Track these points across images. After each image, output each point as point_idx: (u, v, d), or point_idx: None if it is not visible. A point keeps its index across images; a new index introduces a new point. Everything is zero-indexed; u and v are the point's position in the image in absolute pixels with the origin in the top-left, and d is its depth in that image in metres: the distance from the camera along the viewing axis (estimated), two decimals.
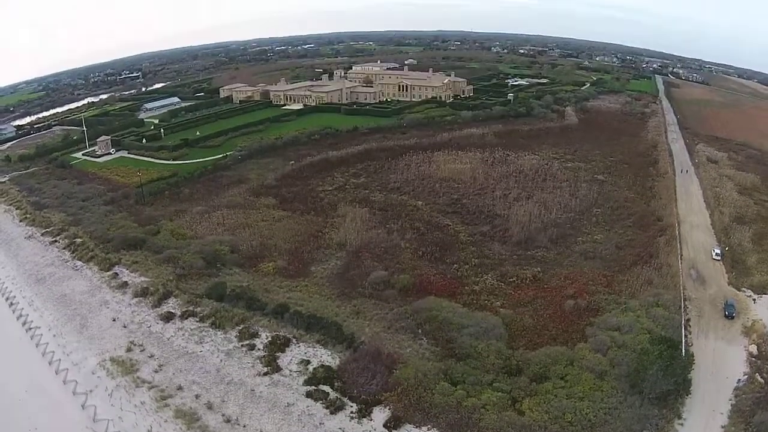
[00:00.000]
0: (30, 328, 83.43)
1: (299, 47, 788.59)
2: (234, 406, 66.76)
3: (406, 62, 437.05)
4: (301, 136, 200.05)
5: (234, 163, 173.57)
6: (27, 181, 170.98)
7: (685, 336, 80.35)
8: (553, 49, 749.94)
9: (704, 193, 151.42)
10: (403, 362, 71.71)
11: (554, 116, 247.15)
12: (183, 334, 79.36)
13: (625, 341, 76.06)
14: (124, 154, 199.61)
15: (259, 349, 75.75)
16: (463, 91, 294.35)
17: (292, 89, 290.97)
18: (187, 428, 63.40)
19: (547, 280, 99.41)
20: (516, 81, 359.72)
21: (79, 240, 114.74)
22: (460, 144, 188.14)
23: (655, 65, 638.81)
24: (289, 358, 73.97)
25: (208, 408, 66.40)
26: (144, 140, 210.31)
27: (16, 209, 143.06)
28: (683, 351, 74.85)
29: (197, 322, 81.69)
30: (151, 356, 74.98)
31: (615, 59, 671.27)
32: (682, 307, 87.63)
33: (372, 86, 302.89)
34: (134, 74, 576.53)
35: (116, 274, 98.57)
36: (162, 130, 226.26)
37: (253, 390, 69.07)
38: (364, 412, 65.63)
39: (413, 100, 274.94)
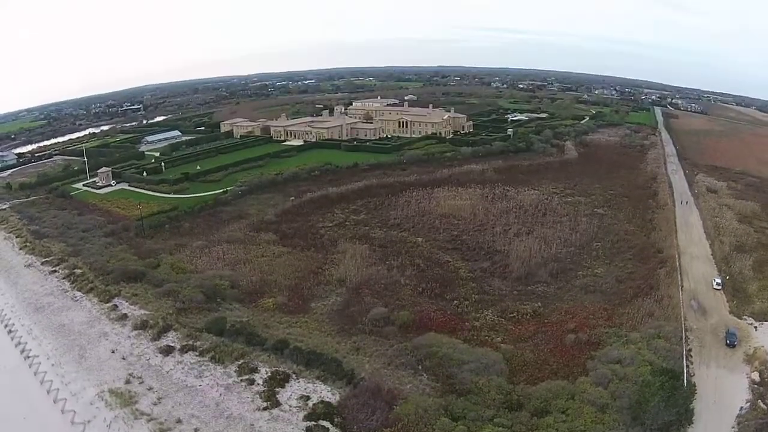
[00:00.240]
0: (28, 357, 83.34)
1: (300, 83, 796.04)
2: None
3: (406, 98, 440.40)
4: (301, 172, 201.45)
5: (234, 198, 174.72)
6: (27, 209, 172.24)
7: (687, 366, 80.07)
8: (552, 84, 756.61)
9: (704, 224, 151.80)
10: (403, 398, 71.29)
11: (554, 151, 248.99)
12: (182, 368, 79.24)
13: (626, 374, 75.76)
14: (124, 186, 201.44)
15: (258, 384, 75.56)
16: (463, 127, 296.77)
17: (293, 125, 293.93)
18: None
19: (548, 315, 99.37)
20: (515, 116, 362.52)
21: (78, 271, 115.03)
22: (460, 180, 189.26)
23: (653, 97, 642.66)
24: (288, 394, 73.78)
25: None
26: (145, 173, 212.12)
27: (16, 237, 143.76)
28: (685, 381, 74.69)
29: (197, 356, 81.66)
30: (150, 389, 74.79)
31: (614, 92, 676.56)
32: (683, 337, 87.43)
33: (372, 122, 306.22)
34: (135, 106, 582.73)
35: (116, 305, 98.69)
36: (163, 164, 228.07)
37: (253, 425, 68.70)
38: None
39: (413, 136, 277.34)
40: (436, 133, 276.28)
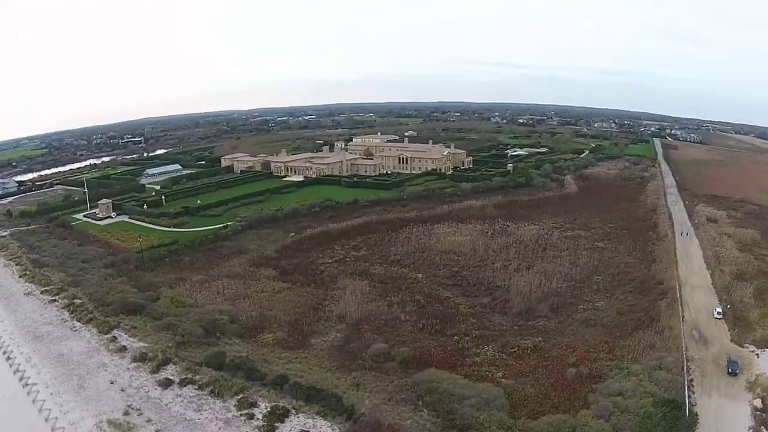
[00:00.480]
0: (27, 384, 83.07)
1: (300, 118, 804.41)
2: None
3: (406, 134, 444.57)
4: (301, 207, 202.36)
5: (234, 233, 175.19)
6: (27, 237, 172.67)
7: (689, 396, 79.72)
8: (551, 118, 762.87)
9: (704, 254, 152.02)
10: None
11: (553, 185, 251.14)
12: (181, 401, 78.92)
13: (628, 406, 75.26)
14: (125, 218, 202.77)
15: (258, 418, 75.18)
16: (463, 163, 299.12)
17: (293, 160, 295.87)
18: None
19: (549, 349, 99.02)
20: (515, 151, 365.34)
21: (78, 301, 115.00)
22: (460, 216, 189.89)
23: (653, 128, 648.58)
24: (288, 429, 73.37)
25: None
26: (145, 206, 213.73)
27: (16, 265, 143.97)
28: (687, 412, 74.54)
29: (196, 389, 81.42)
30: (149, 421, 74.38)
31: (613, 124, 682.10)
32: (685, 368, 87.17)
33: (372, 158, 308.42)
34: (136, 139, 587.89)
35: (115, 337, 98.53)
36: (163, 197, 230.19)
37: None
38: None
39: (413, 172, 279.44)
40: (436, 169, 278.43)
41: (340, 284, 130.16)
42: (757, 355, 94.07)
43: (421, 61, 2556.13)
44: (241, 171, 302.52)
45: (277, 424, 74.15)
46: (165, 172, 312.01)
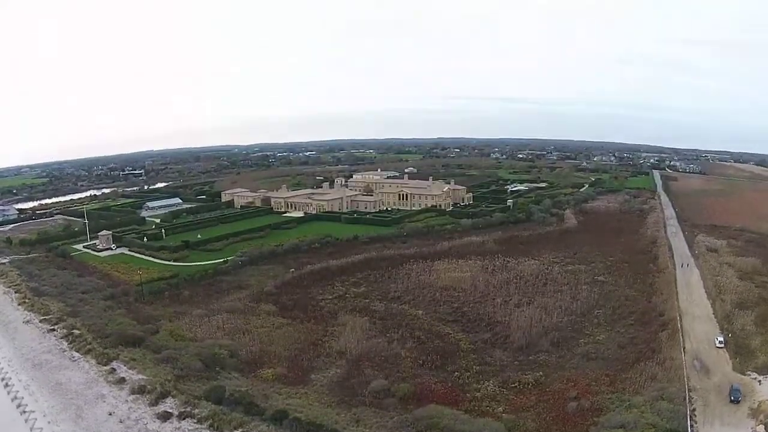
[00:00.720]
0: (25, 412, 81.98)
1: (300, 154, 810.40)
2: None
3: (406, 170, 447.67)
4: (301, 243, 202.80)
5: (234, 268, 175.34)
6: (27, 266, 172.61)
7: (691, 426, 79.06)
8: (551, 152, 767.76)
9: (705, 284, 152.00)
10: None
11: (553, 220, 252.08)
12: None
13: None
14: (124, 250, 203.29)
15: None
16: (463, 199, 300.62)
17: (293, 196, 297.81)
18: None
19: (549, 384, 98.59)
20: (515, 187, 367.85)
21: (77, 331, 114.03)
22: (460, 252, 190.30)
23: (652, 160, 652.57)
24: None
25: None
26: (145, 239, 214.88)
27: (16, 292, 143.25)
28: None
29: (195, 423, 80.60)
30: None
31: (612, 158, 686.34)
32: (687, 398, 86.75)
33: (372, 195, 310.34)
34: (137, 171, 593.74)
35: (114, 369, 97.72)
36: (163, 230, 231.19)
37: None
38: None
39: (413, 208, 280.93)
40: (436, 206, 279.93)
41: (340, 320, 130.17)
42: (759, 381, 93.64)
43: (420, 98, 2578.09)
44: (241, 206, 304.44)
45: None
46: (165, 206, 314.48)
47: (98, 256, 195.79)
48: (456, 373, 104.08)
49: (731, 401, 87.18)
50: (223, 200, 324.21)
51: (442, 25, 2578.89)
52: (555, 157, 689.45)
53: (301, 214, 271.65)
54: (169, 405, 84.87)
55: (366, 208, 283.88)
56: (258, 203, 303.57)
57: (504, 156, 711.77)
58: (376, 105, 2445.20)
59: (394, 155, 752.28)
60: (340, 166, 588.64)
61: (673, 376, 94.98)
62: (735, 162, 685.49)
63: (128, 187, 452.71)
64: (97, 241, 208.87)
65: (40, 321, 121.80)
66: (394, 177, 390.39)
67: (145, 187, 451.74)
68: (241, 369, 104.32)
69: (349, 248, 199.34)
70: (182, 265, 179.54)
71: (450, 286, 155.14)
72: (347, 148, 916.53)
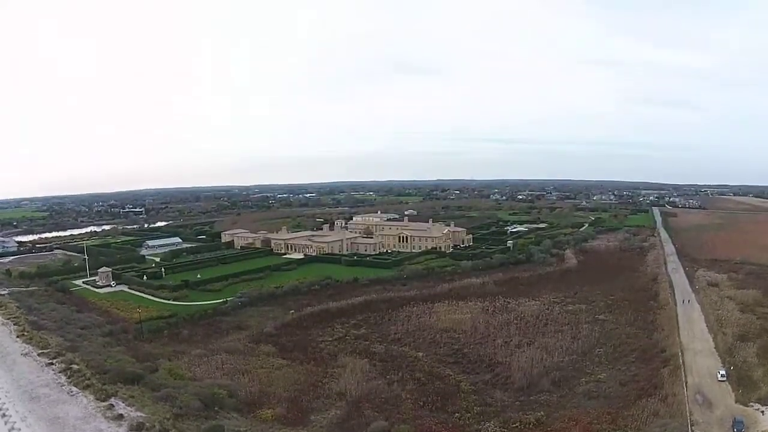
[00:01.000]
0: None
1: (300, 196, 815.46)
2: None
3: (406, 213, 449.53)
4: (301, 285, 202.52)
5: (234, 308, 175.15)
6: (26, 299, 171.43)
7: None
8: (551, 192, 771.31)
9: (706, 318, 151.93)
10: None
11: (554, 260, 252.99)
12: None
13: None
14: (124, 288, 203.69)
15: None
16: (463, 241, 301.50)
17: (293, 238, 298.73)
18: None
19: (551, 423, 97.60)
20: (515, 228, 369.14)
21: (75, 366, 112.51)
22: (461, 294, 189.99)
23: (652, 197, 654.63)
24: None
25: None
26: (145, 277, 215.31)
27: (14, 324, 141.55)
28: None
29: None
30: None
31: (612, 196, 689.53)
32: None
33: (372, 237, 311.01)
34: (137, 209, 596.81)
35: (112, 405, 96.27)
36: (163, 269, 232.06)
37: None
38: None
39: (413, 250, 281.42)
40: (436, 248, 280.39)
41: (340, 362, 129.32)
42: (762, 412, 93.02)
43: (420, 140, 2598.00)
44: (241, 247, 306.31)
45: None
46: (165, 245, 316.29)
47: (98, 292, 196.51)
48: (457, 414, 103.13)
49: None
50: (223, 241, 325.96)
51: (442, 69, 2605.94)
52: (554, 197, 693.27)
53: (301, 255, 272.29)
54: None
55: (366, 250, 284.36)
56: (258, 244, 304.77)
57: (504, 197, 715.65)
58: (376, 148, 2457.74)
59: (394, 197, 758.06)
60: (340, 208, 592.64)
61: (675, 411, 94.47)
62: (734, 195, 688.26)
63: (128, 225, 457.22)
64: (96, 278, 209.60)
65: (39, 354, 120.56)
66: (394, 219, 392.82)
67: (146, 225, 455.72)
68: (240, 409, 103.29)
69: (349, 290, 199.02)
70: (182, 305, 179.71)
71: (450, 328, 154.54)
72: (347, 190, 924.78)
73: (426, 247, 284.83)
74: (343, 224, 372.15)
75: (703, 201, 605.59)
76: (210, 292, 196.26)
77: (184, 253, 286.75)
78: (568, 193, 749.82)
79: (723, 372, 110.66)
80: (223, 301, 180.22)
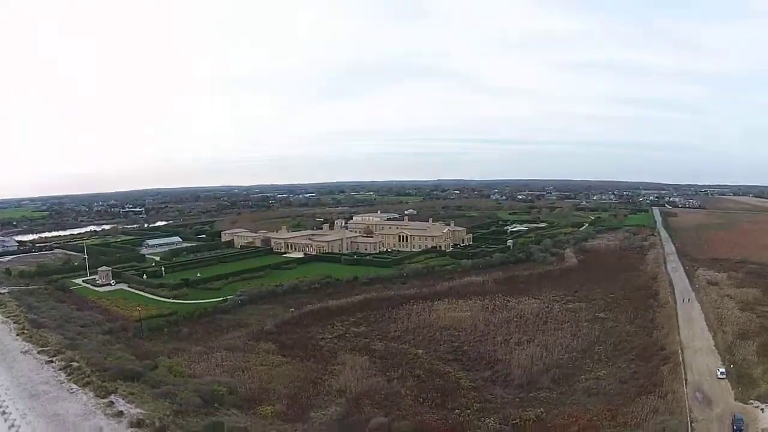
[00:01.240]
0: None
1: (300, 195, 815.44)
2: None
3: (406, 212, 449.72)
4: (301, 284, 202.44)
5: (234, 307, 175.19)
6: (26, 297, 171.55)
7: None
8: (550, 192, 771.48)
9: (706, 317, 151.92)
10: None
11: (554, 259, 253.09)
12: None
13: None
14: (124, 286, 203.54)
15: None
16: (463, 240, 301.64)
17: (293, 237, 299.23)
18: None
19: (551, 420, 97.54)
20: (515, 227, 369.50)
21: (75, 364, 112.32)
22: (461, 292, 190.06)
23: (651, 197, 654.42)
24: None
25: None
26: (145, 276, 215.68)
27: (14, 323, 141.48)
28: None
29: None
30: None
31: (612, 196, 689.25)
32: (689, 430, 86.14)
33: (372, 236, 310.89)
34: (137, 209, 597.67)
35: (112, 402, 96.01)
36: (163, 268, 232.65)
37: None
38: None
39: (413, 249, 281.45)
40: (436, 247, 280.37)
41: (339, 359, 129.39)
42: (762, 410, 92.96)
43: (420, 140, 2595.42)
44: (241, 246, 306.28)
45: None
46: (165, 244, 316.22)
47: (97, 291, 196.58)
48: (456, 410, 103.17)
49: (734, 431, 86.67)
50: (223, 240, 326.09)
51: (440, 67, 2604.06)
52: (554, 197, 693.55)
53: (301, 254, 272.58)
54: None
55: (366, 249, 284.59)
56: (258, 243, 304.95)
57: (504, 197, 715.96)
58: (376, 148, 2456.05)
59: (394, 197, 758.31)
60: (340, 207, 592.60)
61: (674, 408, 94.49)
62: (734, 195, 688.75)
63: (128, 224, 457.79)
64: (96, 276, 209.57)
65: (38, 352, 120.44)
66: (394, 219, 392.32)
67: (145, 225, 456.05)
68: (240, 406, 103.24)
69: (349, 289, 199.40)
70: (181, 303, 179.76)
71: (450, 326, 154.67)
72: (347, 190, 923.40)
73: (426, 246, 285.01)
74: (343, 224, 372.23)
75: (702, 201, 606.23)
76: (210, 291, 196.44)
77: (184, 252, 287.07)
78: (567, 193, 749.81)
79: (723, 370, 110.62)
80: (223, 300, 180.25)
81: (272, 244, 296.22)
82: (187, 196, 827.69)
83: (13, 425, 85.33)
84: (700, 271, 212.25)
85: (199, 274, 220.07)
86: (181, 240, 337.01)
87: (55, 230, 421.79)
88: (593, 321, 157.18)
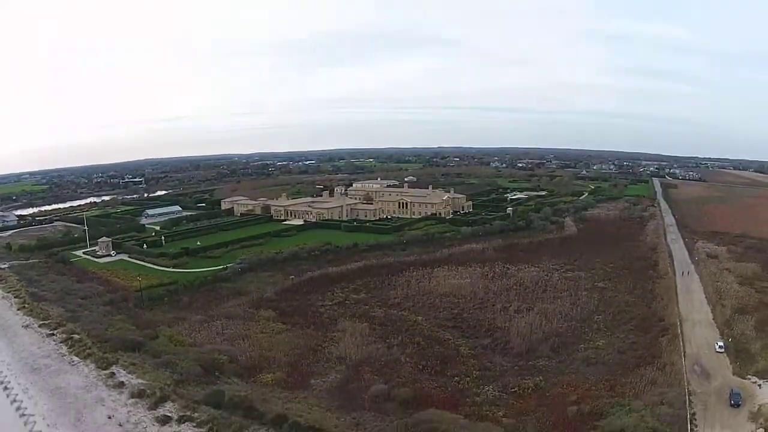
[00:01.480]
0: (24, 415, 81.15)
1: (300, 163, 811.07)
2: None
3: (405, 179, 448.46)
4: (301, 251, 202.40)
5: (234, 275, 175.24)
6: (27, 271, 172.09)
7: (691, 430, 78.89)
8: (550, 161, 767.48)
9: (705, 289, 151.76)
10: None
11: (553, 228, 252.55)
12: None
13: None
14: (124, 257, 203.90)
15: None
16: (463, 207, 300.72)
17: (293, 205, 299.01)
18: None
19: (550, 389, 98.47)
20: (515, 195, 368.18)
21: (76, 336, 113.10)
22: (460, 259, 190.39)
23: (652, 168, 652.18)
24: None
25: None
26: (145, 245, 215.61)
27: (15, 297, 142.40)
28: None
29: (194, 427, 79.87)
30: None
31: (612, 166, 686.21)
32: (687, 402, 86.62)
33: (372, 203, 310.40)
34: (137, 179, 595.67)
35: (113, 373, 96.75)
36: (163, 237, 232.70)
37: None
38: None
39: (413, 216, 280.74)
40: (435, 214, 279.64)
41: (339, 326, 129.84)
42: (759, 386, 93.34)
43: (420, 108, 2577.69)
44: (241, 214, 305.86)
45: None
46: (165, 213, 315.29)
47: (98, 262, 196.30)
48: (456, 378, 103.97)
49: (731, 405, 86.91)
50: (222, 208, 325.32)
51: (441, 35, 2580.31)
52: (554, 166, 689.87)
53: (300, 222, 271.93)
54: (168, 409, 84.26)
55: (366, 216, 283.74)
56: (258, 211, 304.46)
57: (504, 165, 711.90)
58: (377, 116, 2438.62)
59: (393, 164, 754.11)
60: (339, 175, 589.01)
61: (673, 380, 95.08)
62: (734, 169, 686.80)
63: (128, 195, 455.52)
64: (96, 248, 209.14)
65: (39, 326, 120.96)
66: (394, 185, 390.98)
67: (145, 195, 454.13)
68: (240, 374, 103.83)
69: (349, 256, 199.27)
70: (182, 272, 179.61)
71: (450, 293, 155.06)
72: (347, 157, 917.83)
73: (426, 213, 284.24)
74: (343, 191, 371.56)
75: (703, 173, 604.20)
76: (210, 259, 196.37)
77: (184, 221, 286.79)
78: (567, 162, 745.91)
79: (721, 344, 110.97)
80: (223, 268, 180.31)
81: (272, 211, 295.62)
82: (186, 165, 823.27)
83: (15, 400, 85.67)
84: (700, 244, 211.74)
85: (199, 243, 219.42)
86: (180, 209, 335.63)
87: (54, 203, 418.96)
88: (592, 290, 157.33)
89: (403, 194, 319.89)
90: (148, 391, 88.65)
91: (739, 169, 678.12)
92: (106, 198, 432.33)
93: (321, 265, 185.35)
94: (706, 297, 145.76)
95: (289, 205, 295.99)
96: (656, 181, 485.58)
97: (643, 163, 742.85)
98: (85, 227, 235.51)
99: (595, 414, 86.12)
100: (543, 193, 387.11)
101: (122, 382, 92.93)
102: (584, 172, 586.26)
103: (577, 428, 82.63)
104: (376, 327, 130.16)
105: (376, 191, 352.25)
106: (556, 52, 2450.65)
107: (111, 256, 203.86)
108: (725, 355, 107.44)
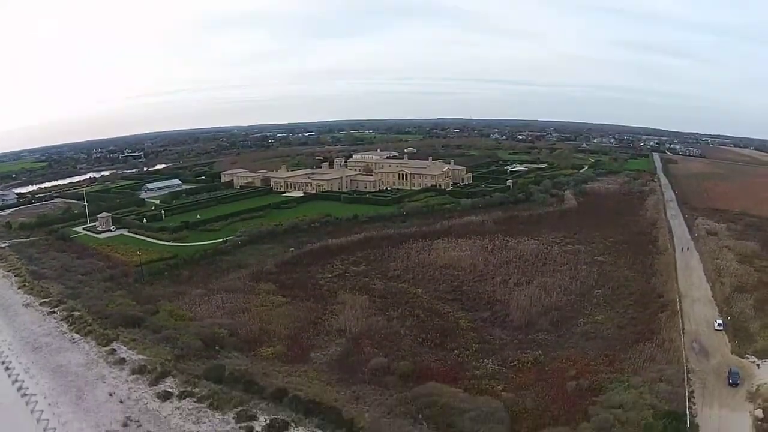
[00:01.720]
0: (25, 394, 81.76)
1: (300, 135, 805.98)
2: None
3: (405, 151, 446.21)
4: (301, 223, 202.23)
5: (234, 247, 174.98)
6: (27, 249, 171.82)
7: (690, 408, 79.20)
8: (551, 134, 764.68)
9: (704, 267, 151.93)
10: None
11: (553, 201, 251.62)
12: (180, 413, 77.76)
13: (628, 418, 74.92)
14: (124, 232, 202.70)
15: (257, 431, 74.84)
16: (463, 179, 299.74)
17: (293, 176, 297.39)
18: None
19: (549, 363, 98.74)
20: (515, 167, 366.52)
21: (77, 313, 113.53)
22: (460, 231, 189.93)
23: (652, 143, 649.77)
24: None
25: None
26: (145, 220, 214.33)
27: (15, 276, 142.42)
28: (688, 423, 74.03)
29: (195, 402, 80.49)
30: None
31: (612, 140, 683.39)
32: (685, 379, 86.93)
33: (372, 175, 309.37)
34: (136, 153, 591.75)
35: (114, 349, 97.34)
36: (163, 211, 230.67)
37: None
38: None
39: (413, 188, 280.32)
40: (435, 185, 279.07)
41: (339, 299, 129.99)
42: (758, 365, 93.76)
43: (420, 79, 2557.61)
44: (240, 186, 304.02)
45: None
46: (165, 187, 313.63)
47: (98, 237, 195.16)
48: (455, 351, 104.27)
49: (729, 384, 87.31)
50: (222, 181, 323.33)
51: (443, 9, 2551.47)
52: (555, 139, 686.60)
53: (300, 193, 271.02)
54: (169, 384, 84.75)
55: (366, 187, 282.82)
56: (257, 183, 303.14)
57: (504, 137, 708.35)
58: (377, 86, 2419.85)
59: (393, 135, 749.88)
60: (339, 146, 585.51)
61: (671, 357, 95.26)
62: (735, 146, 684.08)
63: (127, 169, 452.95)
64: (96, 223, 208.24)
65: (40, 304, 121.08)
66: (394, 157, 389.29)
67: (145, 169, 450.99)
68: (240, 348, 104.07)
69: (349, 227, 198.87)
70: (182, 246, 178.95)
71: (450, 265, 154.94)
72: (347, 128, 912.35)
73: (426, 184, 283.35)
74: (343, 162, 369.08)
75: (703, 150, 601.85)
76: (210, 232, 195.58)
77: (184, 195, 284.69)
78: (568, 135, 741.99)
79: (720, 322, 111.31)
80: (223, 241, 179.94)
81: (272, 183, 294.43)
82: (185, 138, 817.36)
83: (16, 380, 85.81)
84: (700, 220, 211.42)
85: (198, 216, 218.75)
86: (180, 182, 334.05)
87: (54, 180, 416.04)
88: (592, 264, 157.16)
89: (403, 166, 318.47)
90: (148, 367, 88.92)
91: (740, 147, 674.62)
92: (106, 173, 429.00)
93: (321, 237, 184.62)
94: (705, 274, 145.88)
95: (289, 177, 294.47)
96: (656, 156, 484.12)
97: (644, 137, 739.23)
98: (85, 203, 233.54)
99: (593, 389, 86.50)
100: (543, 165, 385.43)
101: (123, 358, 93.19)
102: (584, 145, 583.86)
103: (576, 403, 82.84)
104: (376, 299, 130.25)
105: (375, 163, 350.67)
106: (558, 25, 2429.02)
107: (111, 231, 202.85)
108: (724, 333, 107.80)
